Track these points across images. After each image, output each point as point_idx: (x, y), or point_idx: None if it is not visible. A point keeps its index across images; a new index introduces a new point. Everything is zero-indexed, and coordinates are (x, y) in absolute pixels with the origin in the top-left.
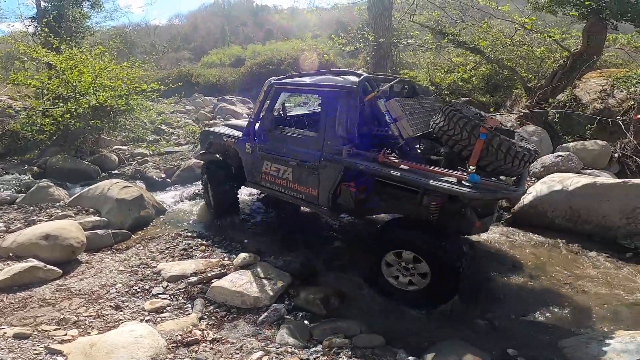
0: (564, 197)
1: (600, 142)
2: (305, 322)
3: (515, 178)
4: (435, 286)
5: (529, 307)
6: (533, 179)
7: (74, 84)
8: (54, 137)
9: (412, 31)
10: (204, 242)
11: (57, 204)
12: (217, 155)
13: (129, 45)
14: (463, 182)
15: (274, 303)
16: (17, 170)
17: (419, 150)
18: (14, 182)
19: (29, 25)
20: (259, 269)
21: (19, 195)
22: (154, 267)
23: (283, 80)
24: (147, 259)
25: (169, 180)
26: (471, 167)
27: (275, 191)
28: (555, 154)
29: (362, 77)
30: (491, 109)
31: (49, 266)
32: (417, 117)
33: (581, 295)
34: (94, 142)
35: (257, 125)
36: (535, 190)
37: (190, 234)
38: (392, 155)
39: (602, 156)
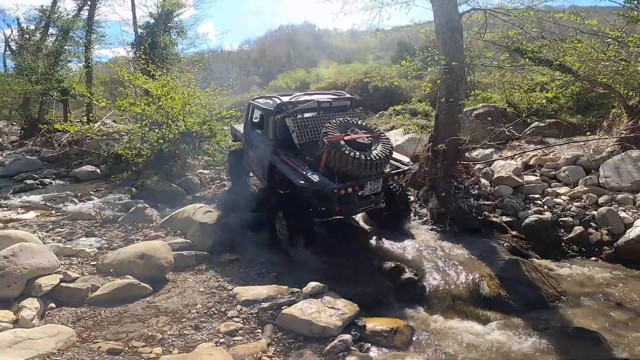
0: None
1: None
2: (372, 354)
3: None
4: (290, 235)
5: (634, 348)
6: None
7: (167, 110)
8: (149, 161)
9: (484, 51)
10: (275, 268)
11: (151, 225)
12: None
13: (208, 72)
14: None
15: (341, 333)
16: (119, 191)
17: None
18: (115, 201)
19: (130, 52)
20: (327, 298)
21: (120, 214)
22: (230, 290)
23: (253, 100)
24: (224, 281)
25: None
26: (322, 168)
27: (253, 171)
28: None
29: (278, 102)
30: (587, 133)
31: (142, 283)
32: (313, 130)
33: None
34: (181, 166)
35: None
36: None
37: (262, 260)
38: (287, 155)
39: None
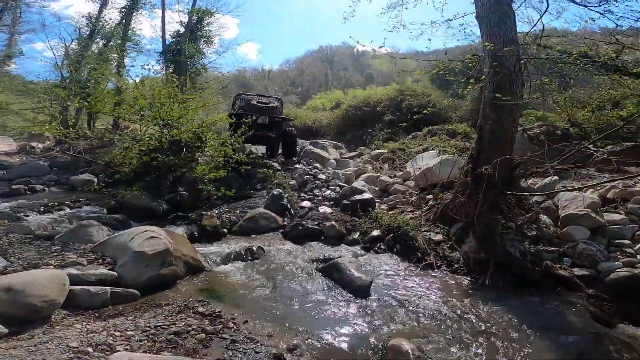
0: None
1: None
2: None
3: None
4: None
5: None
6: None
7: (154, 114)
8: (137, 172)
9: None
10: (210, 328)
11: (82, 248)
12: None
13: (246, 89)
14: None
15: None
16: (100, 203)
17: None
18: (88, 215)
19: (158, 60)
20: None
21: (61, 231)
22: (109, 354)
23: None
24: (118, 337)
25: (225, 230)
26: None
27: None
28: None
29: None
30: None
31: None
32: (249, 106)
33: None
34: (174, 181)
35: None
36: None
37: (201, 310)
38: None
39: None
